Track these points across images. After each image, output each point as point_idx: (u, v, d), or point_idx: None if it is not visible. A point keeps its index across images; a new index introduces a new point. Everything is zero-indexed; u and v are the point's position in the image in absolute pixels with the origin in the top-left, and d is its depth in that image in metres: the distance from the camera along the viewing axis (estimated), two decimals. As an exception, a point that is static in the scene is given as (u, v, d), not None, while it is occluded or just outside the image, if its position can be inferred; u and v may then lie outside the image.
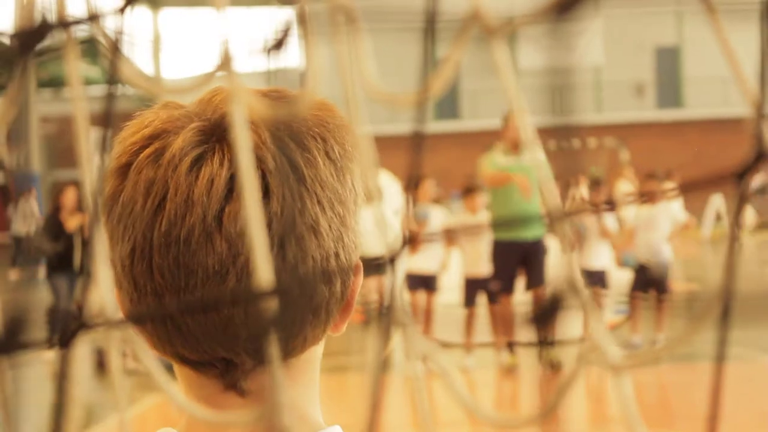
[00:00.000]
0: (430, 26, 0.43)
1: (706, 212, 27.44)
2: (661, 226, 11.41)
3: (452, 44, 0.42)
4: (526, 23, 0.39)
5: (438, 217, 11.16)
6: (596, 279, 11.14)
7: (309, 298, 0.98)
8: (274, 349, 0.46)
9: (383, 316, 0.48)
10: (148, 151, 0.99)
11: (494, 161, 10.15)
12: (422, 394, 0.48)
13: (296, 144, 0.99)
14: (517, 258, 10.13)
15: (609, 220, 11.20)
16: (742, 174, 0.39)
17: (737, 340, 10.59)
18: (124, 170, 0.99)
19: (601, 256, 11.19)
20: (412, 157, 0.44)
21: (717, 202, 27.33)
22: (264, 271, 0.47)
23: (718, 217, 27.34)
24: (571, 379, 0.44)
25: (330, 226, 0.99)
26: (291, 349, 1.02)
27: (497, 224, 10.12)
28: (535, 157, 0.46)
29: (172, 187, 0.96)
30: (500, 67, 0.44)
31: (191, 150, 0.98)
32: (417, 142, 0.43)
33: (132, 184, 0.98)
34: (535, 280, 10.23)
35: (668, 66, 39.14)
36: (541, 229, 10.12)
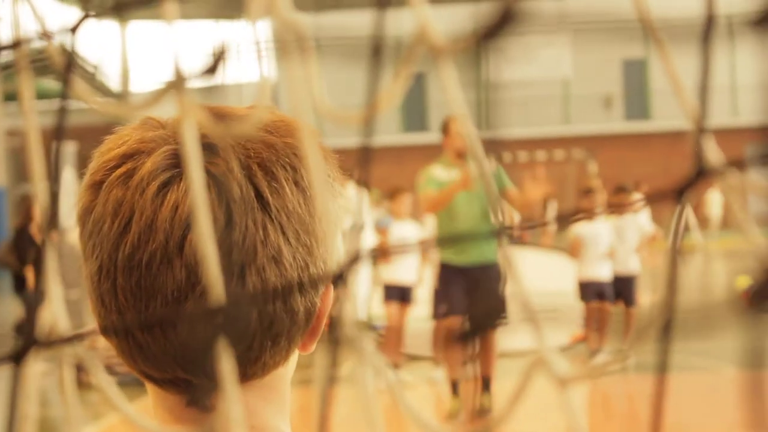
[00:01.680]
0: (377, 46, 0.43)
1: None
2: (629, 238, 11.48)
3: (399, 63, 0.43)
4: (470, 43, 0.40)
5: (408, 230, 11.12)
6: (600, 290, 11.16)
7: (268, 326, 0.99)
8: (224, 367, 0.46)
9: (334, 330, 0.48)
10: (120, 171, 1.00)
11: (432, 178, 8.70)
12: (374, 408, 0.48)
13: (264, 172, 0.99)
14: (462, 284, 8.77)
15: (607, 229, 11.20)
16: (682, 190, 0.40)
17: (703, 352, 10.66)
18: (97, 187, 1.00)
19: (603, 267, 11.19)
20: (360, 172, 0.45)
21: (685, 214, 27.46)
22: (215, 288, 0.48)
23: (687, 228, 27.50)
24: (518, 393, 0.44)
25: (294, 257, 0.99)
26: (251, 374, 1.02)
27: (440, 243, 9.04)
28: (482, 169, 0.45)
29: (138, 210, 0.97)
30: (447, 85, 0.44)
31: (160, 174, 0.98)
32: (365, 157, 0.43)
33: (102, 203, 0.99)
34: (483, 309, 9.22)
35: (636, 78, 39.41)
36: (491, 252, 8.72)
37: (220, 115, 1.04)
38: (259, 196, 0.98)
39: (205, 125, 0.51)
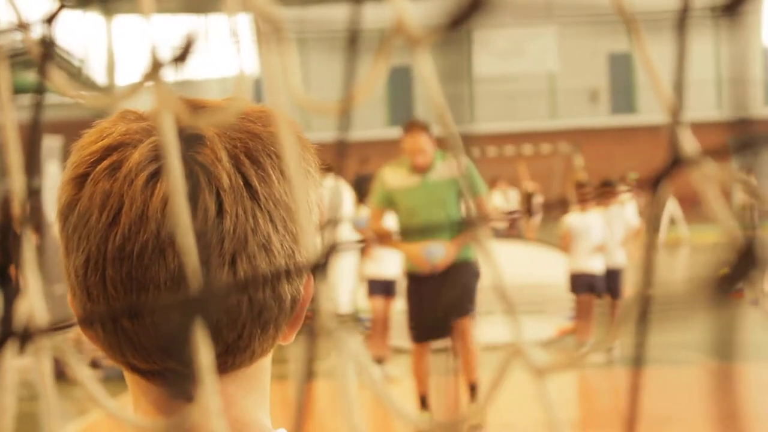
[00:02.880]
0: (354, 37, 0.43)
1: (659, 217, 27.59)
2: (615, 231, 11.51)
3: (376, 54, 0.43)
4: (446, 32, 0.40)
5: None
6: (590, 282, 11.20)
7: (257, 314, 0.99)
8: (202, 356, 0.47)
9: (312, 322, 0.48)
10: (105, 163, 1.00)
11: (382, 187, 7.97)
12: (352, 401, 0.48)
13: (251, 161, 1.00)
14: (429, 292, 7.90)
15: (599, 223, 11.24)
16: (658, 180, 0.40)
17: (687, 344, 10.70)
18: (80, 180, 1.00)
19: (594, 259, 11.22)
20: (337, 164, 0.45)
21: (671, 207, 27.55)
22: (192, 274, 0.48)
23: (672, 222, 27.58)
24: (496, 384, 0.45)
25: (282, 244, 1.00)
26: (239, 363, 1.03)
27: (410, 235, 7.78)
28: (452, 170, 0.45)
29: (128, 201, 0.97)
30: (424, 76, 0.44)
31: (148, 165, 0.98)
32: (342, 150, 0.43)
33: (88, 196, 0.99)
34: (453, 313, 8.01)
35: (622, 72, 39.46)
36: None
37: (197, 107, 1.04)
38: (248, 184, 0.99)
39: (183, 115, 0.51)
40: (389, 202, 7.97)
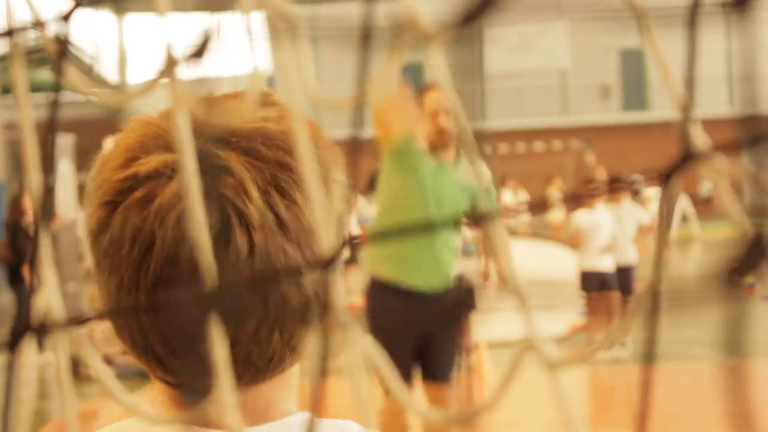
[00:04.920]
0: (366, 33, 0.43)
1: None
2: (626, 228, 11.49)
3: (389, 50, 0.43)
4: (459, 29, 0.40)
5: None
6: (602, 280, 11.17)
7: (287, 341, 1.02)
8: (218, 353, 0.47)
9: (325, 317, 0.49)
10: (136, 194, 0.99)
11: (415, 141, 5.41)
12: (364, 394, 0.49)
13: (280, 194, 0.99)
14: (408, 317, 5.44)
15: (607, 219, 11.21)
16: (670, 174, 0.40)
17: (696, 341, 10.67)
18: (110, 207, 1.00)
19: (604, 257, 11.19)
20: (351, 162, 0.45)
21: (683, 203, 27.50)
22: (208, 277, 0.48)
23: (684, 219, 27.53)
24: (508, 378, 0.45)
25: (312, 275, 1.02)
26: (270, 377, 1.06)
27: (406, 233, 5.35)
28: (468, 169, 0.45)
29: (159, 240, 0.98)
30: (437, 72, 0.45)
31: (179, 203, 0.98)
32: (355, 147, 0.44)
33: (119, 225, 0.99)
34: (434, 370, 5.62)
35: (633, 68, 39.36)
36: (450, 272, 5.54)
37: (211, 105, 1.04)
38: (276, 217, 0.99)
39: (198, 114, 0.52)
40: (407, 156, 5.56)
